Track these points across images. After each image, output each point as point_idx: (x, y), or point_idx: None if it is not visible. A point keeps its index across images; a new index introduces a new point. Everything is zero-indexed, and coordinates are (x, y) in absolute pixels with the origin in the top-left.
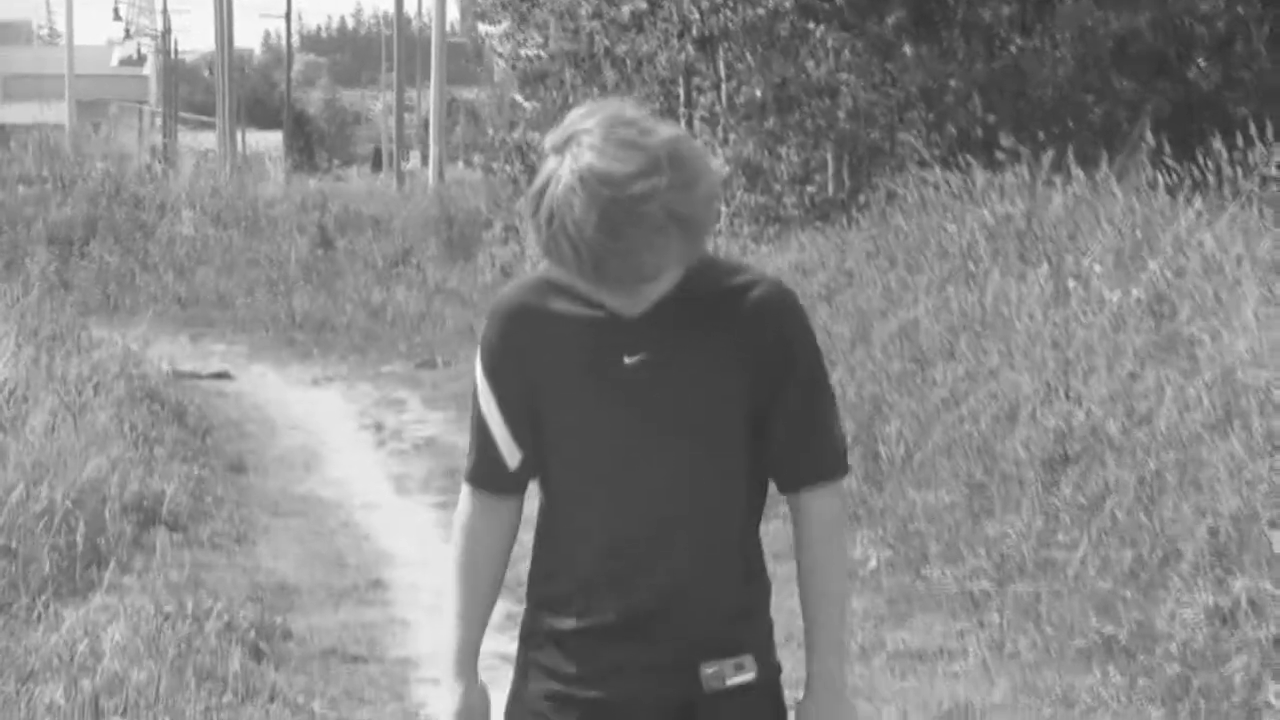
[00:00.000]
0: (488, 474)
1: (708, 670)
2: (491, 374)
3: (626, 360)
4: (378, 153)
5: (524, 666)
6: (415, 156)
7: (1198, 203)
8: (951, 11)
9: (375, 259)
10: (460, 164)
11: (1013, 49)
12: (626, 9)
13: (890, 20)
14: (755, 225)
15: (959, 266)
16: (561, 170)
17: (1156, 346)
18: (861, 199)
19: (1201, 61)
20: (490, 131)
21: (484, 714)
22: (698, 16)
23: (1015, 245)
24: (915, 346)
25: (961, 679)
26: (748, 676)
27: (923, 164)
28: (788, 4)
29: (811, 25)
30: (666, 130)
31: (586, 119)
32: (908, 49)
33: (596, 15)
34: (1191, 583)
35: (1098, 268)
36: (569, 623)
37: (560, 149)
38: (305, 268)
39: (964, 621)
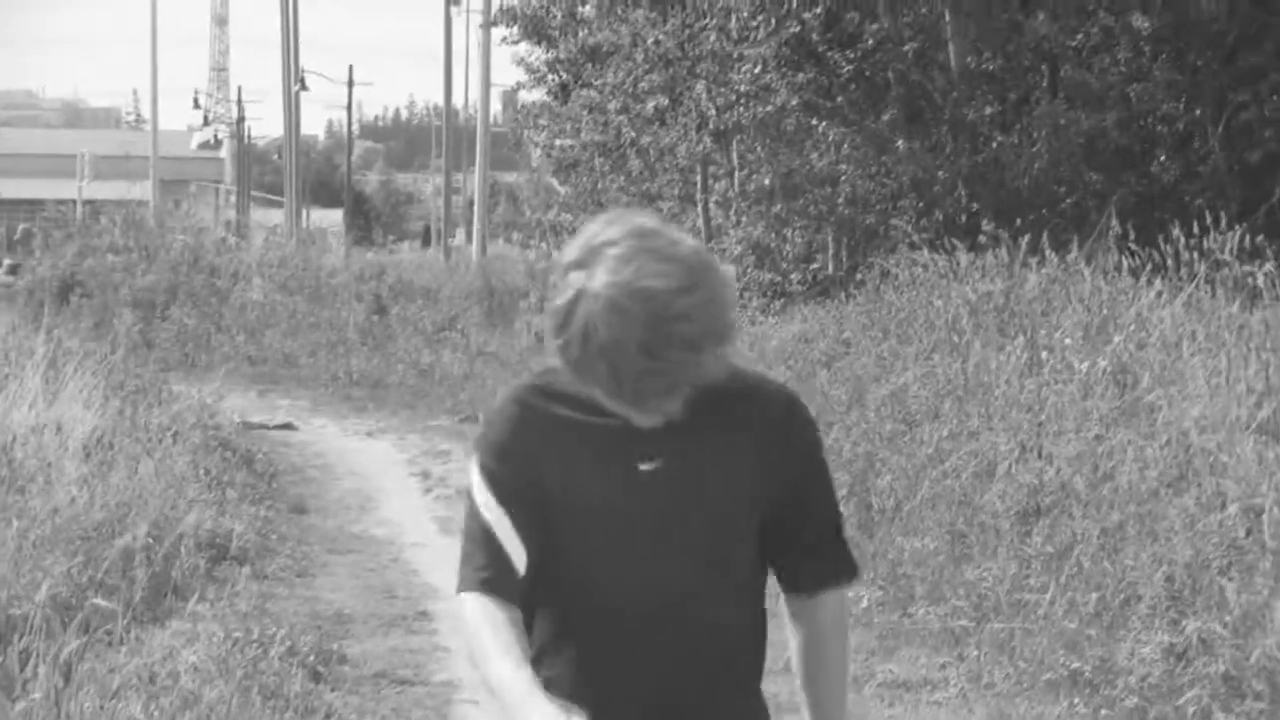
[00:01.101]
0: (497, 583)
1: None
2: (496, 478)
3: (641, 467)
4: (427, 230)
5: None
6: (461, 233)
7: (1158, 284)
8: (940, 111)
9: (424, 325)
10: (500, 240)
11: (994, 145)
12: (651, 105)
13: (885, 118)
14: (763, 299)
15: (944, 338)
16: (593, 285)
17: (1119, 412)
18: (858, 276)
19: (1162, 157)
20: (528, 212)
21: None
22: (714, 112)
23: (995, 319)
24: (904, 409)
25: (943, 707)
26: None
27: (913, 246)
28: (794, 102)
29: (815, 121)
30: (689, 240)
31: (608, 229)
32: (900, 144)
33: (624, 110)
34: (1149, 623)
35: (1068, 340)
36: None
37: (584, 264)
38: (362, 331)
39: (945, 655)
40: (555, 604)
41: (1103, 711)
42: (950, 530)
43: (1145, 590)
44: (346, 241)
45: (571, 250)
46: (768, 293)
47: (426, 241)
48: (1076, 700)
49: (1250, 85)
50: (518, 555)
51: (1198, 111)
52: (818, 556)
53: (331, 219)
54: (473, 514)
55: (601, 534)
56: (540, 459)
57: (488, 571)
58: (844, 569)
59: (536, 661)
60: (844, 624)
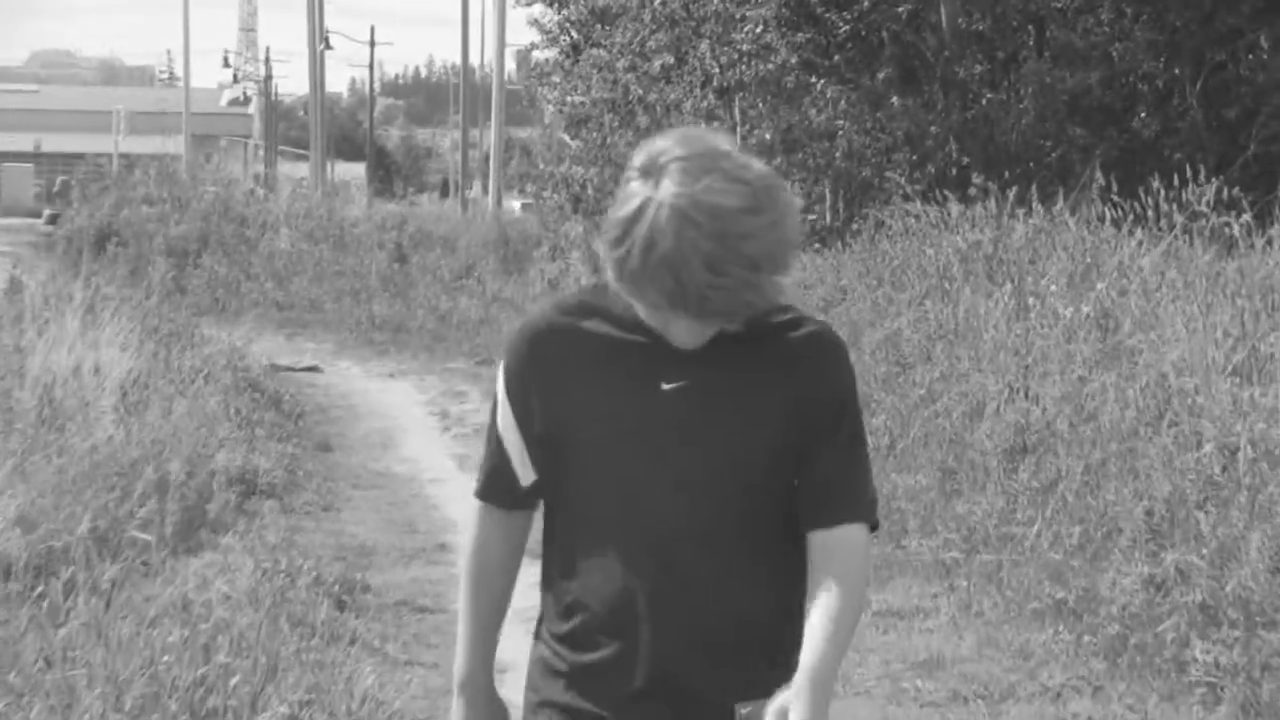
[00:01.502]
0: (500, 489)
1: (744, 710)
2: (513, 393)
3: (665, 386)
4: (445, 182)
5: (535, 697)
6: (477, 186)
7: (1138, 234)
8: (932, 69)
9: (443, 273)
10: (515, 193)
11: (983, 101)
12: (657, 63)
13: (880, 76)
14: None
15: (936, 285)
16: (660, 196)
17: (1102, 355)
18: (854, 227)
19: (1143, 114)
20: (540, 165)
21: None
22: (717, 70)
23: (984, 267)
24: (898, 352)
25: (934, 634)
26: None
27: (906, 198)
28: (793, 60)
29: (813, 79)
30: (758, 164)
31: (679, 147)
32: (895, 100)
33: (631, 69)
34: (1129, 555)
35: (1053, 287)
36: (590, 659)
37: (652, 174)
38: (383, 279)
39: (937, 585)
40: (570, 526)
41: (1085, 638)
42: (941, 467)
43: (1126, 524)
44: (369, 193)
45: (638, 159)
46: None
47: (445, 193)
48: (1061, 628)
49: (1227, 45)
50: (525, 473)
51: (1177, 70)
52: (834, 492)
53: (354, 172)
54: (491, 423)
55: (617, 448)
56: (563, 379)
57: (495, 482)
58: (862, 508)
59: (551, 582)
60: (854, 571)
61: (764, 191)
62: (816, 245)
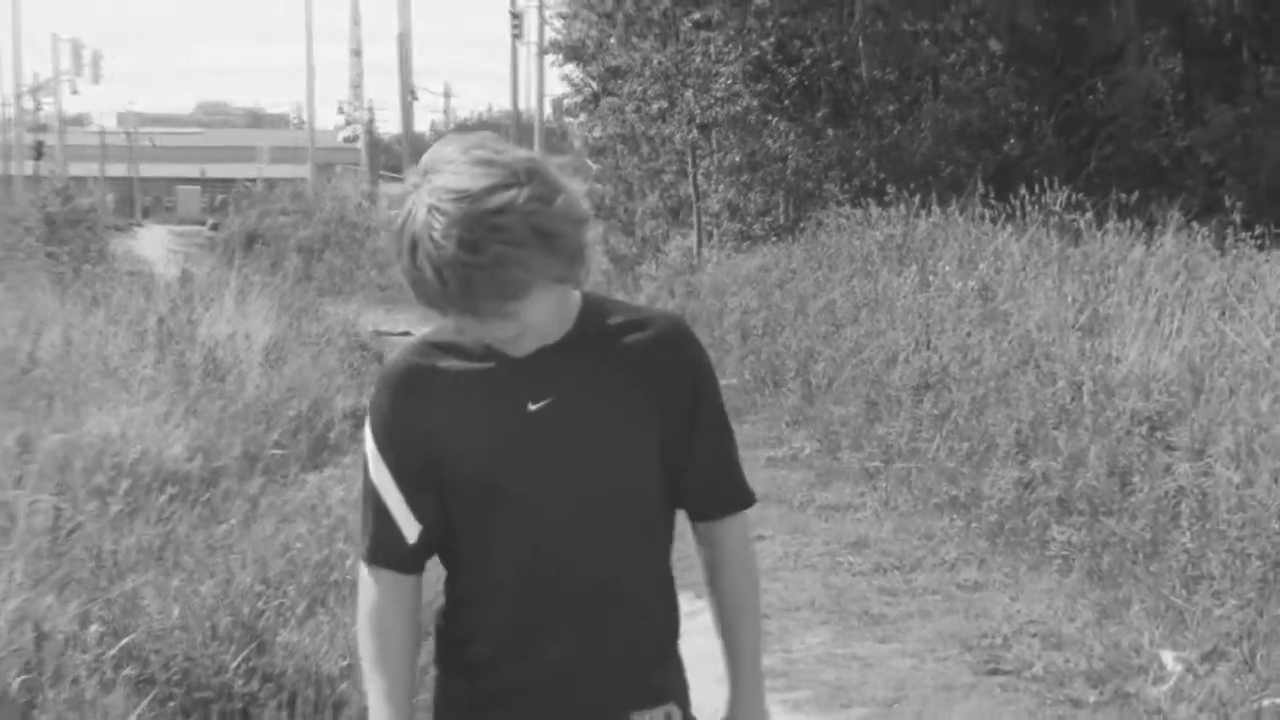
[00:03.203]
0: (386, 550)
1: (638, 719)
2: (385, 443)
3: (531, 407)
4: None
5: None
6: None
7: (1009, 228)
8: (856, 109)
9: None
10: None
11: (894, 132)
12: (655, 106)
13: (819, 114)
14: (735, 241)
15: (861, 267)
16: (419, 197)
17: (983, 317)
18: (801, 225)
19: (1012, 140)
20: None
21: None
22: (699, 111)
23: (896, 254)
24: (833, 316)
25: (862, 522)
26: None
27: (838, 203)
28: (755, 104)
29: (769, 117)
30: (524, 152)
31: (442, 148)
32: (830, 132)
33: (636, 111)
34: (1004, 463)
35: (947, 268)
36: (490, 687)
37: (417, 185)
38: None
39: (863, 487)
40: (462, 559)
41: (973, 525)
42: (866, 400)
43: (1001, 440)
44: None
45: (409, 175)
46: (738, 237)
47: None
48: (955, 517)
49: (1074, 89)
50: (409, 527)
51: (1036, 108)
52: (714, 483)
53: None
54: (366, 484)
55: (500, 480)
56: (430, 418)
57: (381, 542)
58: (740, 496)
59: (450, 616)
60: (746, 550)
61: (523, 171)
62: (774, 238)
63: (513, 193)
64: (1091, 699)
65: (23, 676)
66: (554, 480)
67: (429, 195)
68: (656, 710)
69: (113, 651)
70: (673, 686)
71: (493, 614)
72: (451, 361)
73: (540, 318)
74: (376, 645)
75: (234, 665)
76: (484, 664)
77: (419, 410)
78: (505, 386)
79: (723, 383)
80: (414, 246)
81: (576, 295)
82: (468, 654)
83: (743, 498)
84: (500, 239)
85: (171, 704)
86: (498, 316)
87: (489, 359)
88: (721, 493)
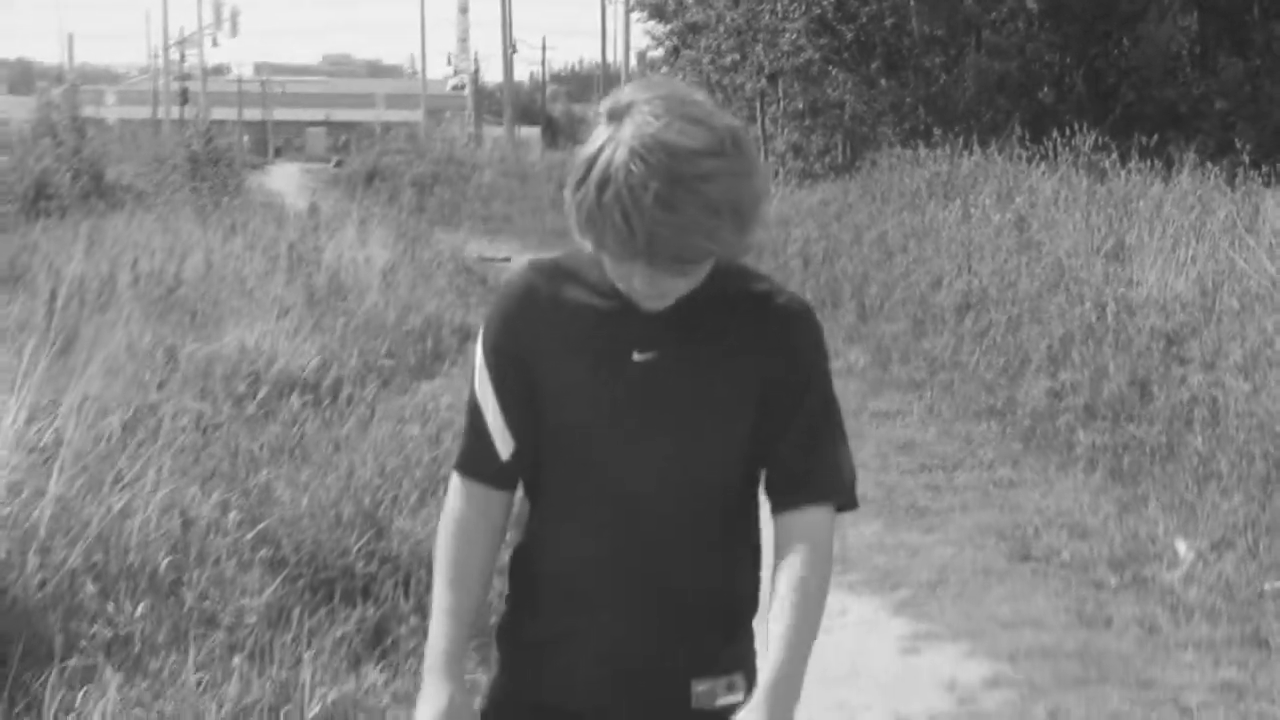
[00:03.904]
0: (479, 463)
1: (700, 688)
2: (492, 356)
3: (636, 357)
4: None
5: (508, 673)
6: None
7: (1043, 167)
8: (907, 61)
9: None
10: None
11: (940, 81)
12: (728, 59)
13: (874, 65)
14: (799, 179)
15: (910, 201)
16: (620, 136)
17: (1018, 245)
18: (857, 164)
19: (1046, 89)
20: None
21: (470, 716)
22: (767, 63)
23: (941, 190)
24: (885, 245)
25: (910, 427)
26: (737, 697)
27: (891, 145)
28: (817, 56)
29: (830, 68)
30: (729, 116)
31: (646, 91)
32: (883, 81)
33: (711, 63)
34: (1037, 375)
35: (987, 202)
36: (553, 630)
37: (617, 117)
38: (551, 201)
39: (911, 396)
40: (542, 494)
41: (1008, 429)
42: (913, 319)
43: (1034, 354)
44: (542, 146)
45: (607, 102)
46: (801, 175)
47: None
48: (992, 423)
49: (1101, 44)
50: (503, 443)
51: (1068, 60)
52: (800, 469)
53: (532, 133)
54: (471, 394)
55: (587, 424)
56: (539, 340)
57: (475, 454)
58: (828, 488)
59: (525, 550)
60: (825, 553)
61: (729, 139)
62: (833, 176)
63: (718, 162)
64: (1112, 582)
65: (170, 557)
66: (640, 433)
67: (634, 139)
68: (720, 680)
69: (249, 536)
70: (740, 656)
71: (565, 557)
72: (574, 290)
73: (691, 285)
74: (454, 556)
75: (355, 548)
76: (550, 606)
77: (530, 330)
78: (618, 329)
79: None
80: (604, 183)
81: None
82: (537, 592)
83: (835, 491)
84: (697, 204)
85: (300, 582)
86: (670, 274)
87: (612, 298)
88: (809, 480)
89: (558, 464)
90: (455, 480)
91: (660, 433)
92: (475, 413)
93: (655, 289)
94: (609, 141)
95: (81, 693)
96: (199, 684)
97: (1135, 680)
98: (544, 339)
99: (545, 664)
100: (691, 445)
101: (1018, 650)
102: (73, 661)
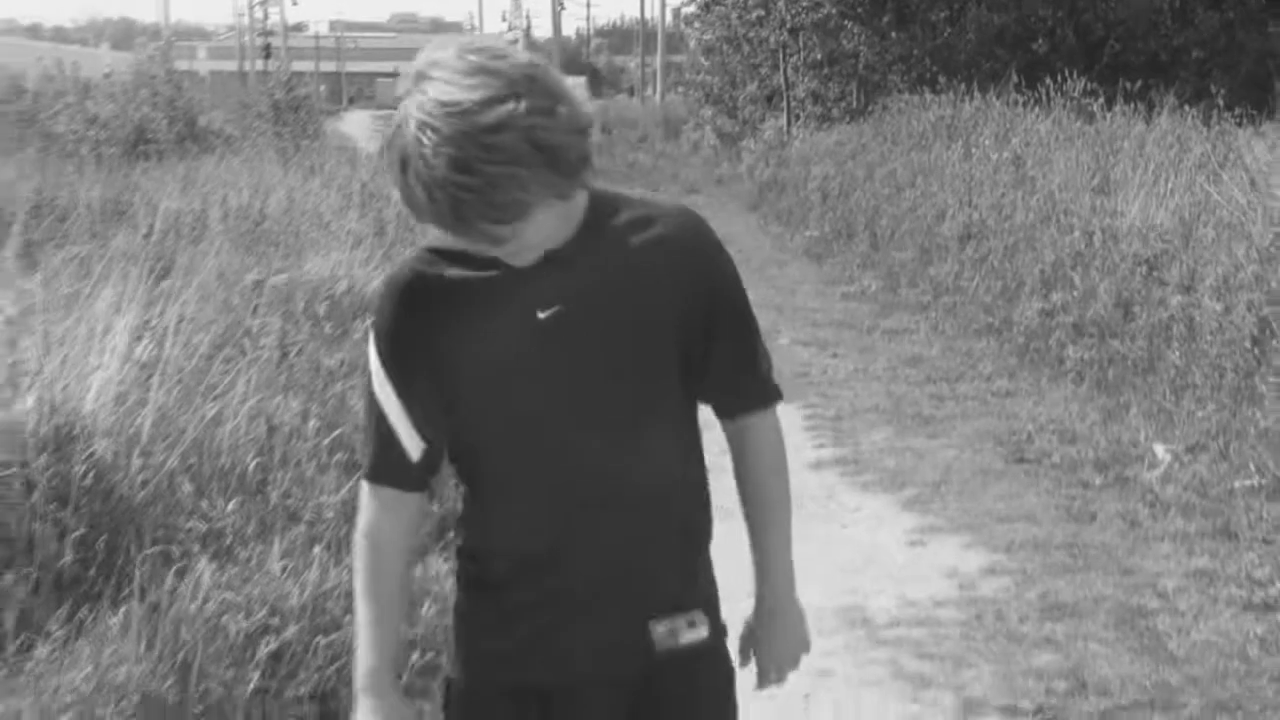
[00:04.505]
0: (390, 468)
1: (659, 628)
2: (388, 357)
3: (540, 315)
4: (631, 88)
5: (464, 649)
6: (649, 88)
7: (1036, 111)
8: (914, 15)
9: (630, 138)
10: (671, 92)
11: (945, 34)
12: (754, 14)
13: (885, 19)
14: (817, 122)
15: (917, 142)
16: (409, 109)
17: (1015, 180)
18: (870, 109)
19: (1040, 40)
20: (687, 75)
21: None
22: (789, 18)
23: (945, 131)
24: (895, 180)
25: (917, 344)
26: (700, 634)
27: (900, 91)
28: (834, 11)
29: (846, 22)
30: (523, 56)
31: (436, 51)
32: (893, 34)
33: (739, 17)
34: (1030, 297)
35: (987, 142)
36: (510, 604)
37: (410, 91)
38: (594, 145)
39: (918, 316)
40: (476, 476)
41: (1005, 345)
42: (920, 247)
43: (1028, 278)
44: (587, 94)
45: (402, 81)
46: (819, 118)
47: (631, 93)
48: (990, 340)
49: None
50: (412, 444)
51: (1059, 13)
52: (738, 382)
53: (578, 82)
54: (369, 398)
55: (511, 393)
56: (435, 330)
57: (383, 459)
58: (765, 392)
59: (468, 532)
60: (775, 446)
61: (521, 80)
62: (848, 120)
63: (509, 106)
64: (1097, 482)
65: (257, 459)
66: (565, 390)
67: (418, 109)
68: (678, 618)
69: (326, 441)
70: (699, 595)
71: (511, 530)
72: (457, 270)
73: (543, 233)
74: (371, 564)
75: None
76: (504, 581)
77: (423, 322)
78: (513, 295)
79: (806, 234)
80: (404, 163)
81: (583, 193)
82: (488, 571)
83: (768, 394)
84: (495, 159)
85: None
86: (489, 239)
87: (495, 267)
88: (745, 391)
89: (485, 443)
90: (366, 490)
91: (586, 384)
92: (378, 418)
93: (505, 250)
94: (403, 120)
95: (178, 578)
96: (282, 571)
97: (1118, 568)
98: (440, 326)
99: (509, 642)
100: (619, 388)
101: (1012, 542)
102: (171, 551)
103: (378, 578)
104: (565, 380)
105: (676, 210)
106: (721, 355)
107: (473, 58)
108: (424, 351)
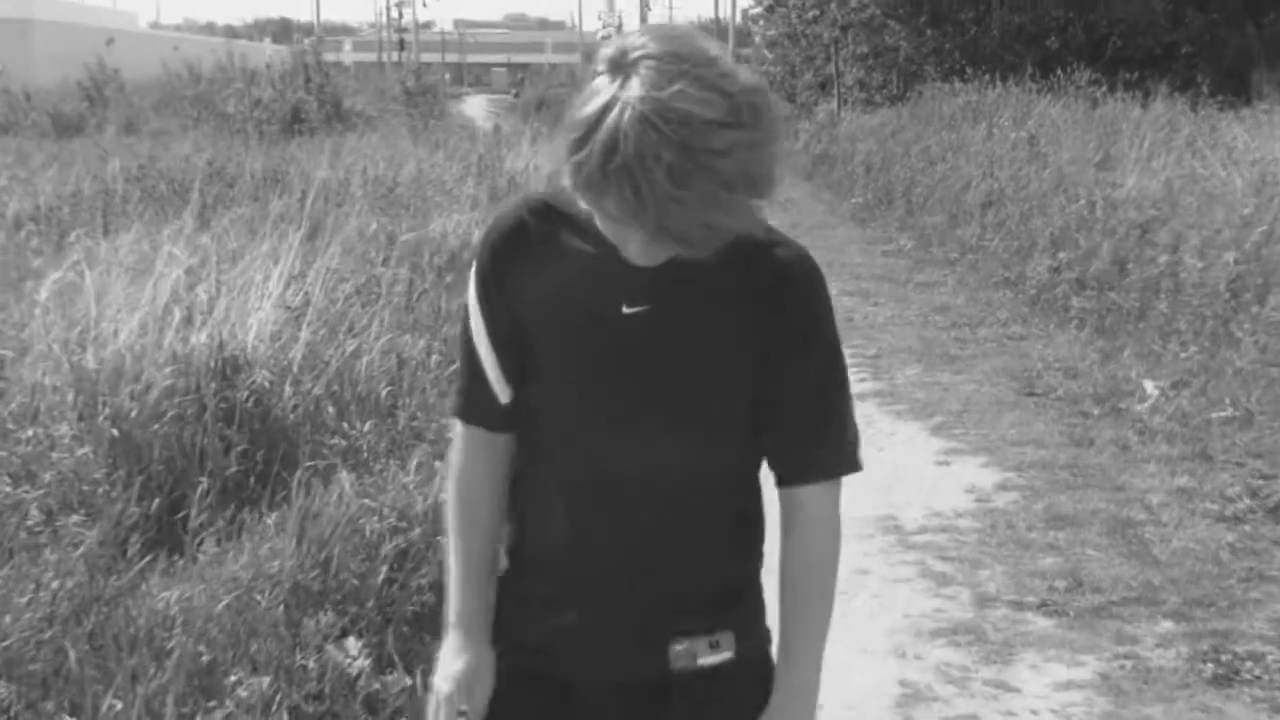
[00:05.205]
0: (480, 408)
1: (677, 648)
2: (483, 296)
3: (625, 310)
4: None
5: (500, 630)
6: None
7: (1049, 98)
8: (947, 16)
9: None
10: None
11: (973, 32)
12: (811, 14)
13: (922, 19)
14: (862, 106)
15: (948, 124)
16: (625, 96)
17: (1029, 156)
18: (908, 95)
19: (1052, 37)
20: (753, 66)
21: (489, 676)
22: (840, 17)
23: (972, 114)
24: (928, 155)
25: (945, 294)
26: (723, 656)
27: (934, 81)
28: (878, 11)
29: (888, 21)
30: (746, 76)
31: (653, 43)
32: (929, 31)
33: (798, 16)
34: (1042, 255)
35: (1006, 123)
36: (538, 587)
37: (620, 70)
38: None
39: (945, 271)
40: (529, 446)
41: (1019, 296)
42: (948, 213)
43: (1040, 239)
44: None
45: (605, 54)
46: (864, 103)
47: None
48: (1007, 291)
49: (1096, 2)
50: (501, 388)
51: (1070, 14)
52: (802, 441)
53: None
54: (463, 333)
55: (575, 375)
56: (528, 285)
57: (475, 399)
58: (832, 461)
59: (511, 501)
60: (831, 532)
61: (746, 106)
62: (889, 104)
63: (736, 134)
64: (1095, 412)
65: (389, 387)
66: (629, 391)
67: (643, 103)
68: (700, 640)
69: (447, 372)
70: (734, 617)
71: (549, 510)
72: (565, 234)
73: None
74: (462, 505)
75: None
76: (536, 561)
77: (520, 273)
78: (610, 280)
79: (852, 201)
80: (610, 150)
81: None
82: (520, 548)
83: (837, 462)
84: (712, 181)
85: None
86: (679, 245)
87: (602, 245)
88: (812, 453)
89: (542, 416)
90: (458, 429)
91: (651, 389)
92: (470, 353)
93: (654, 257)
94: (614, 102)
95: (324, 487)
96: (411, 483)
97: (1111, 485)
98: (530, 285)
99: (533, 628)
100: (683, 403)
101: (1023, 462)
102: (317, 464)
103: (469, 523)
104: (629, 379)
105: (790, 246)
106: (802, 404)
107: (705, 72)
108: (513, 300)
